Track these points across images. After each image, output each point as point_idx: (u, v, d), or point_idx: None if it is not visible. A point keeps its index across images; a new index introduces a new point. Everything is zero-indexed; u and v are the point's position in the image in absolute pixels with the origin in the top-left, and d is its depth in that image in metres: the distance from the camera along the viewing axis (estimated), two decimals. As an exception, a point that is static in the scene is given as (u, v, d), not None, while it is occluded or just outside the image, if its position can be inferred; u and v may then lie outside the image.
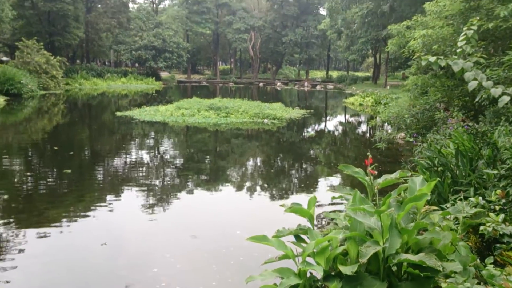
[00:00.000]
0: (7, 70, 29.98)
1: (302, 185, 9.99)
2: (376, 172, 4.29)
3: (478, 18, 4.88)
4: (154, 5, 69.00)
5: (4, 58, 49.56)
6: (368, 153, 4.52)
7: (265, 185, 9.90)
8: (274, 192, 9.33)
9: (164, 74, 62.51)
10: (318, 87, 54.47)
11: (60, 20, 42.71)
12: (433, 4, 10.17)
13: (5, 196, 8.20)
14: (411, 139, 10.46)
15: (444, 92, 9.64)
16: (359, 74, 68.12)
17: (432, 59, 4.52)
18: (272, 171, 11.56)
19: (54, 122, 21.06)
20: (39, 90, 33.32)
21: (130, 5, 58.57)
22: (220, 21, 66.28)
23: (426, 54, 8.41)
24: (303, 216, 3.92)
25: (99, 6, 53.54)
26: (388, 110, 11.04)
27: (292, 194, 9.23)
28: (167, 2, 74.67)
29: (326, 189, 9.50)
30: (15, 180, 9.82)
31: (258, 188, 9.70)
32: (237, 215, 7.76)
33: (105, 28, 52.17)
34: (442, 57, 4.50)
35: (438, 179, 5.34)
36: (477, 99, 4.61)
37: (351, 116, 26.49)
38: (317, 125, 21.86)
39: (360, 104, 30.07)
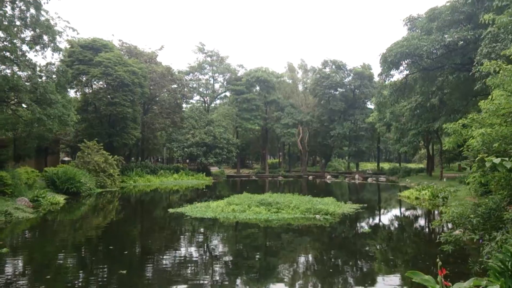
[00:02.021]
0: (69, 170, 31.74)
1: (363, 286, 9.37)
2: (450, 284, 3.96)
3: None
4: (206, 105, 72.86)
5: (66, 158, 52.92)
6: (438, 260, 4.22)
7: (323, 285, 9.37)
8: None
9: (214, 169, 64.04)
10: (369, 180, 53.56)
11: (120, 122, 45.61)
12: (488, 102, 10.07)
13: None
14: (477, 237, 9.80)
15: (510, 189, 9.18)
16: (412, 165, 66.74)
17: (497, 160, 4.36)
18: (329, 270, 11.01)
19: (109, 219, 21.61)
20: (96, 188, 34.82)
21: (184, 105, 62.06)
22: (268, 117, 68.59)
23: (486, 152, 8.17)
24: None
25: (155, 107, 57.11)
26: (452, 210, 10.52)
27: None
28: (218, 101, 78.76)
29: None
30: (70, 279, 9.89)
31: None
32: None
33: (160, 128, 55.17)
34: (507, 158, 4.33)
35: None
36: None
37: (407, 211, 25.49)
38: (372, 221, 21.08)
39: (416, 198, 29.02)
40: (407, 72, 27.52)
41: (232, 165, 76.66)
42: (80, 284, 9.84)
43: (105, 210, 25.88)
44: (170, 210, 22.20)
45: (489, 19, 14.77)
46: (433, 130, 38.36)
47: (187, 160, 69.43)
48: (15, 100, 29.82)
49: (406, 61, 25.54)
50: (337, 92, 64.72)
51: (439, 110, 34.38)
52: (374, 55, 68.89)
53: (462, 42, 23.46)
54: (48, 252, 13.60)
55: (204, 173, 56.81)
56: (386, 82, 28.44)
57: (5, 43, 27.42)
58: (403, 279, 10.00)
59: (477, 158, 7.62)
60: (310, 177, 60.23)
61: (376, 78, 62.12)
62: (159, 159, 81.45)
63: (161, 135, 59.55)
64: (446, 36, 23.17)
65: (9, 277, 10.48)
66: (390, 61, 24.61)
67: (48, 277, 10.19)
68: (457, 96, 27.38)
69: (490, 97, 10.08)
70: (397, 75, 28.52)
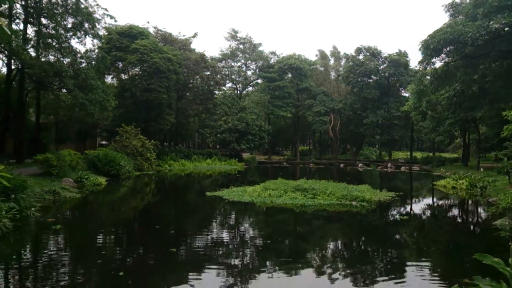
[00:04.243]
0: (109, 153, 32.70)
1: (412, 274, 9.48)
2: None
3: None
4: (238, 92, 73.16)
5: (104, 142, 54.37)
6: (510, 244, 4.35)
7: (364, 271, 9.54)
8: (378, 281, 8.92)
9: (245, 155, 64.57)
10: (402, 169, 52.88)
11: (155, 108, 46.45)
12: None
13: (120, 273, 8.67)
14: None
15: None
16: (446, 155, 65.39)
17: None
18: (373, 255, 11.14)
19: (151, 200, 22.33)
20: (134, 171, 35.73)
21: (216, 92, 62.51)
22: (300, 105, 68.37)
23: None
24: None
25: (188, 94, 57.80)
26: (510, 197, 10.47)
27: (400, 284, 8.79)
28: (250, 88, 78.87)
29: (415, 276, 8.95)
30: (125, 254, 10.43)
31: (356, 274, 9.37)
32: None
33: (193, 114, 55.93)
34: None
35: None
36: None
37: (444, 199, 25.19)
38: (409, 208, 20.96)
39: (453, 187, 28.59)
40: (449, 59, 26.88)
41: (263, 152, 76.96)
42: (135, 258, 10.36)
43: (146, 191, 26.67)
44: (208, 193, 22.68)
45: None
46: (471, 119, 37.51)
47: (218, 146, 70.16)
48: (59, 85, 30.78)
49: (448, 48, 24.96)
50: (371, 80, 63.74)
51: (478, 98, 33.53)
52: (409, 42, 67.06)
53: (508, 28, 22.76)
54: (100, 229, 14.25)
55: (236, 159, 57.45)
56: (427, 70, 27.85)
57: (49, 30, 28.34)
58: (439, 265, 10.09)
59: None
60: (341, 165, 59.94)
61: (412, 66, 60.94)
62: (191, 145, 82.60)
63: (194, 121, 60.36)
64: (492, 22, 22.50)
65: (66, 251, 11.10)
66: (432, 48, 24.08)
67: (103, 252, 10.74)
68: (500, 85, 26.60)
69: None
70: (437, 63, 27.89)
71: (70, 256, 10.38)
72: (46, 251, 10.78)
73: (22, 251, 11.07)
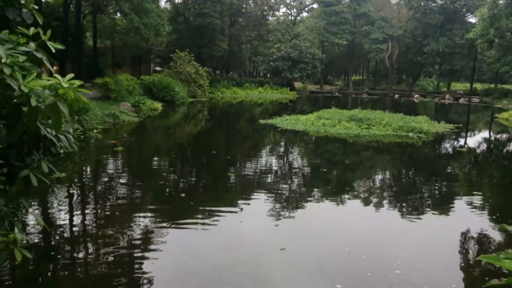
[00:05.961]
0: (164, 79, 33.18)
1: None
2: None
3: None
4: (292, 18, 70.69)
5: (158, 68, 55.02)
6: None
7: (415, 201, 9.43)
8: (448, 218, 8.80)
9: (296, 84, 63.70)
10: (461, 100, 50.50)
11: (208, 34, 46.00)
12: None
13: (182, 194, 9.03)
14: None
15: None
16: (509, 86, 61.33)
17: None
18: (426, 186, 10.94)
19: (207, 127, 22.85)
20: (188, 98, 36.31)
21: (270, 18, 60.70)
22: (357, 31, 65.29)
23: None
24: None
25: (241, 20, 56.53)
26: None
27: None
28: (305, 14, 75.91)
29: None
30: (188, 175, 10.85)
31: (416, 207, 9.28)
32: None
33: (246, 41, 55.00)
34: None
35: None
36: None
37: (505, 133, 24.04)
38: (469, 141, 20.19)
39: (517, 120, 27.21)
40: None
41: (314, 81, 75.53)
42: (195, 181, 10.76)
43: (200, 118, 27.23)
44: (261, 121, 22.78)
45: None
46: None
47: (269, 75, 69.38)
48: (115, 8, 30.85)
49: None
50: (435, 4, 59.35)
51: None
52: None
53: None
54: (159, 152, 14.84)
55: (288, 88, 56.86)
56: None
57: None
58: (492, 199, 9.79)
59: None
60: (396, 96, 58.00)
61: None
62: (242, 73, 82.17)
63: (246, 48, 59.54)
64: None
65: (129, 172, 11.67)
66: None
67: (164, 174, 11.21)
68: None
69: None
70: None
71: (133, 177, 10.91)
72: (110, 171, 11.39)
73: (88, 171, 11.76)
